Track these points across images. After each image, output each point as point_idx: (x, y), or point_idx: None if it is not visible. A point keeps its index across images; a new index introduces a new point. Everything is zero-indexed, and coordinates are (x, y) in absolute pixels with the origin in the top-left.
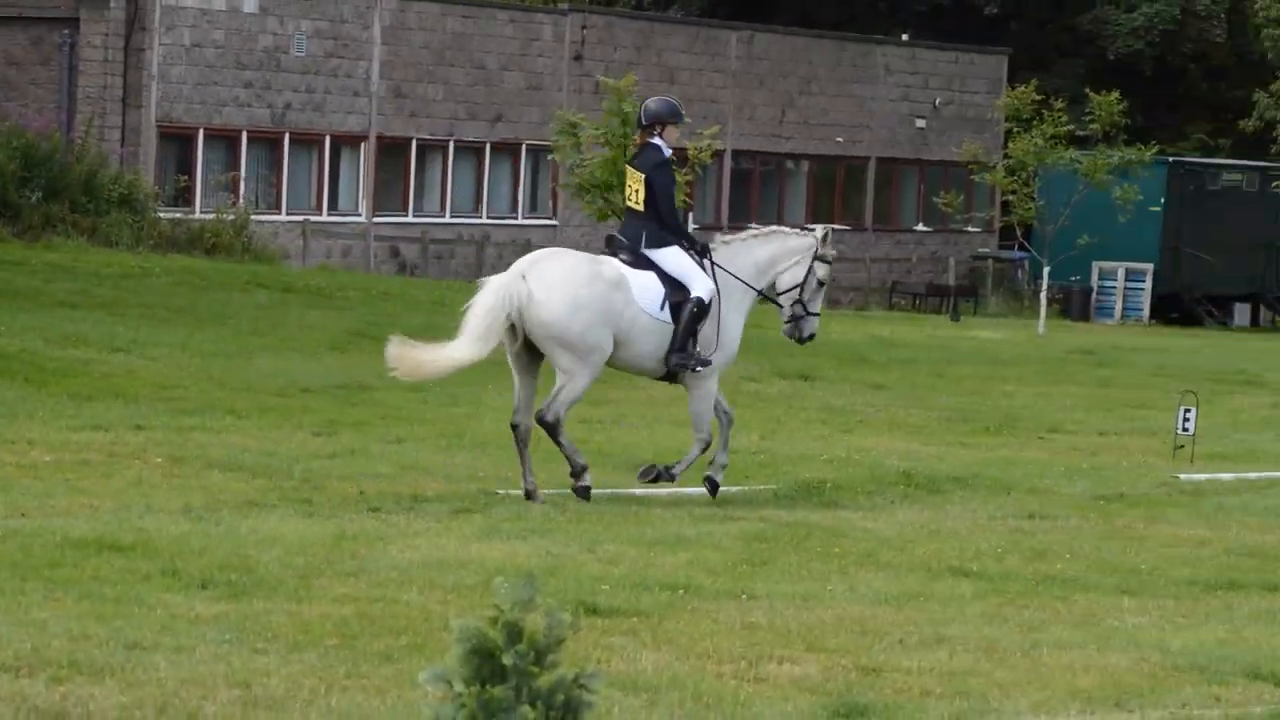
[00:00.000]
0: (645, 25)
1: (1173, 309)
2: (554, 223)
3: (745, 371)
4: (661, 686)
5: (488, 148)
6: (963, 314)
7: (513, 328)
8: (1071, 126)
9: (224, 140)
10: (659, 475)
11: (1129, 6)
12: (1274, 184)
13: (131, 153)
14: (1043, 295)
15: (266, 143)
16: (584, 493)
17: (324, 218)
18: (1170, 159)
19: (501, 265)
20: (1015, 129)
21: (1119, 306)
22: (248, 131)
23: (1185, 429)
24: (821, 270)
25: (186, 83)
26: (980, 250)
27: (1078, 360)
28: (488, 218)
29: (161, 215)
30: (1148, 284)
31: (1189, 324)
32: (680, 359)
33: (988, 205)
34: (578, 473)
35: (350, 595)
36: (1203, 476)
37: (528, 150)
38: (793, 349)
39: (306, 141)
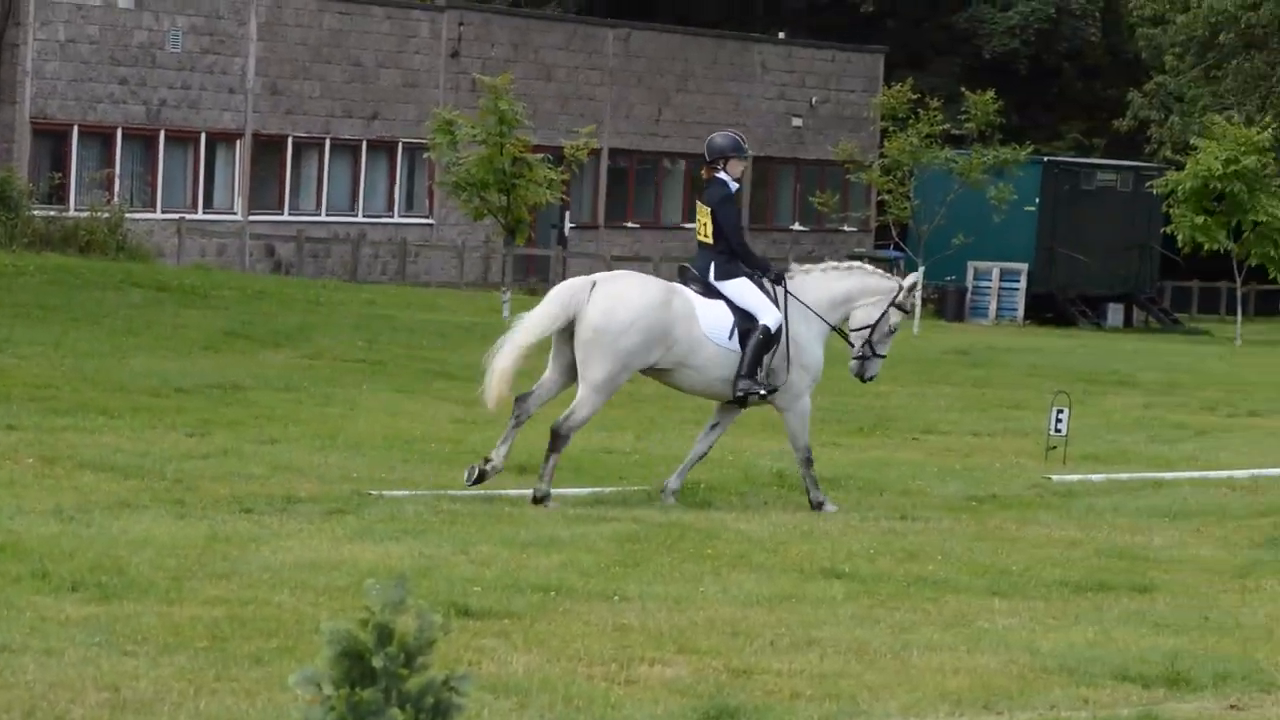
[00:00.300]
0: (522, 23)
1: (1047, 309)
2: (430, 221)
3: None
4: (532, 689)
5: (364, 145)
6: None
7: (568, 335)
8: (947, 126)
9: (99, 137)
10: (817, 506)
11: (1004, 5)
12: (1148, 184)
13: (5, 149)
14: (918, 295)
15: (141, 140)
16: (544, 499)
17: (199, 216)
18: (1045, 159)
19: (377, 264)
20: (891, 128)
21: (993, 307)
22: (123, 128)
23: (1058, 430)
24: (896, 318)
25: (61, 79)
26: (856, 250)
27: (952, 360)
28: (364, 216)
29: (35, 213)
30: (1022, 284)
31: (1063, 324)
32: (746, 385)
33: (863, 204)
34: (539, 496)
35: (222, 597)
36: (1075, 477)
37: (404, 148)
38: None
39: (181, 139)
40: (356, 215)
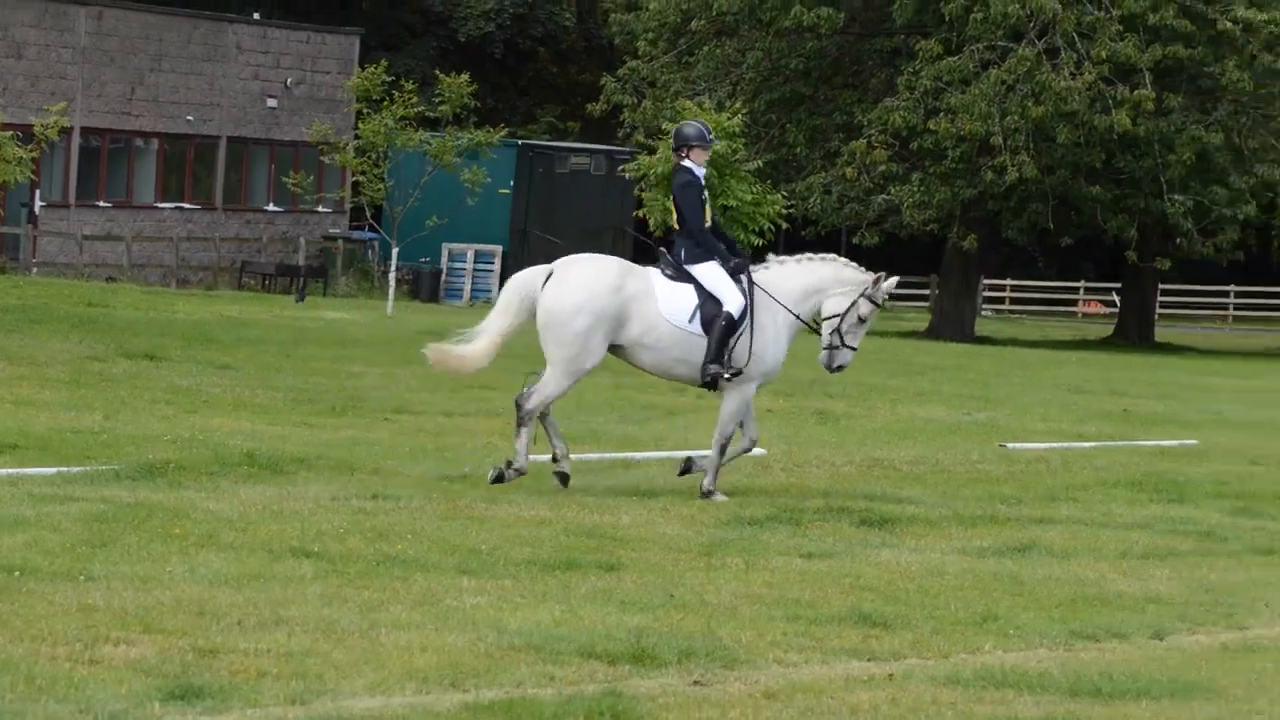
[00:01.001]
0: None
1: None
2: None
3: (90, 351)
4: None
5: None
6: (313, 295)
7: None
8: (422, 108)
9: None
10: (706, 494)
11: None
12: (621, 168)
13: None
14: (391, 276)
15: None
16: (498, 480)
17: None
18: (520, 142)
19: None
20: (365, 110)
21: (468, 288)
22: None
23: None
24: (865, 309)
25: None
26: (331, 231)
27: (425, 341)
28: None
29: None
30: (497, 266)
31: None
32: (714, 370)
33: (338, 186)
34: (510, 466)
35: None
36: (546, 457)
37: None
38: (139, 328)
39: None
40: None
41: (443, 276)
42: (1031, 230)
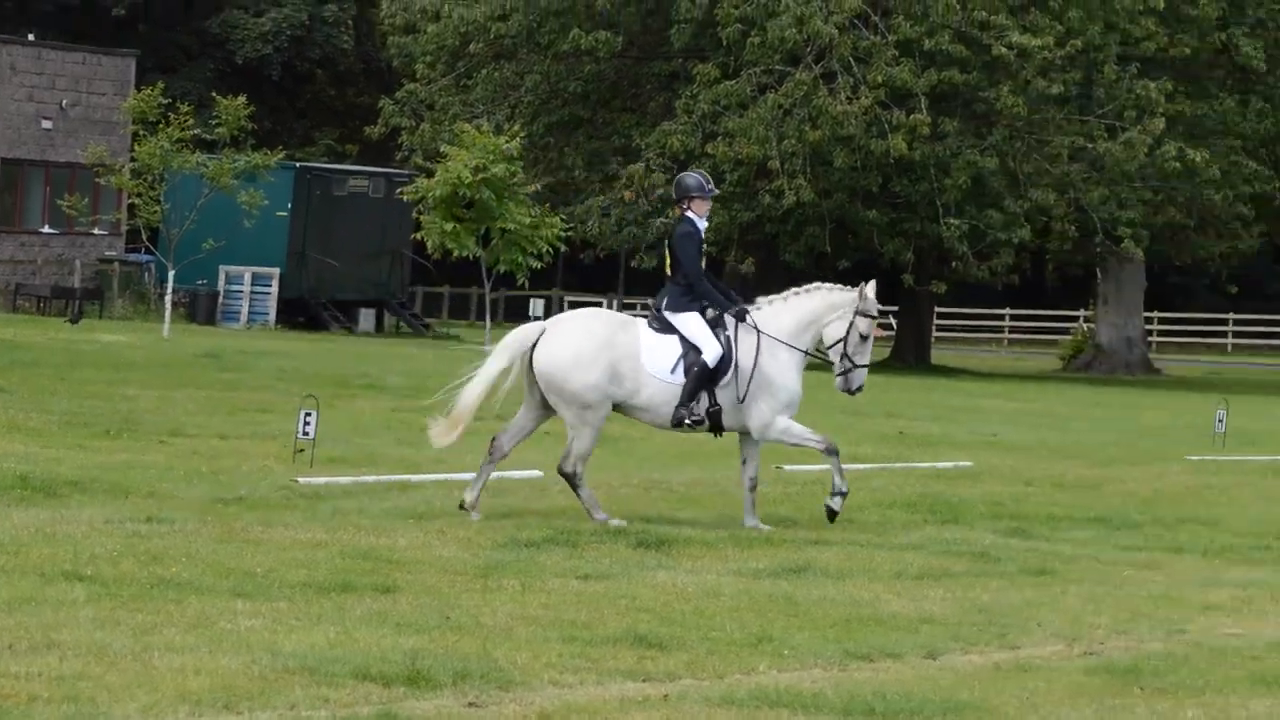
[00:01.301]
0: None
1: (299, 313)
2: None
3: None
4: None
5: None
6: (89, 317)
7: (534, 377)
8: (198, 130)
9: None
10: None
11: (257, 11)
12: (399, 191)
13: None
14: (168, 299)
15: None
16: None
17: None
18: (298, 164)
19: None
20: (142, 132)
21: (245, 310)
22: None
23: (306, 433)
24: (863, 324)
25: None
26: (107, 253)
27: (202, 363)
28: None
29: None
30: (274, 288)
31: (315, 329)
32: (681, 414)
33: (114, 208)
34: (598, 521)
35: None
36: (322, 480)
37: None
38: None
39: None
40: None
41: (220, 299)
42: (809, 254)
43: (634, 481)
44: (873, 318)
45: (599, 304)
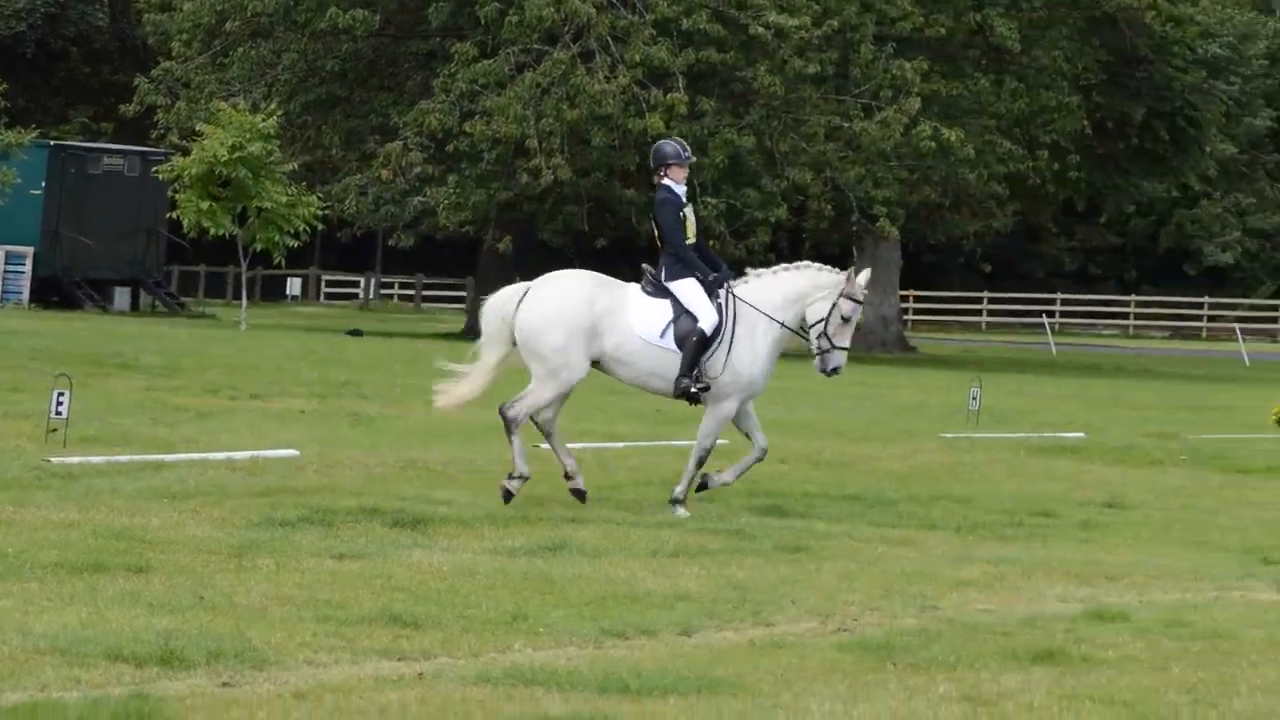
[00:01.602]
0: None
1: (53, 292)
2: None
3: None
4: None
5: None
6: None
7: None
8: None
9: None
10: (674, 502)
11: None
12: (154, 169)
13: None
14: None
15: None
16: (507, 495)
17: None
18: (52, 143)
19: None
20: None
21: None
22: None
23: (59, 413)
24: (847, 307)
25: None
26: None
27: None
28: None
29: None
30: (28, 267)
31: (69, 308)
32: (684, 384)
33: None
34: (511, 476)
35: None
36: (75, 460)
37: None
38: None
39: None
40: None
41: None
42: (567, 232)
43: (389, 460)
44: (858, 302)
45: (356, 283)
